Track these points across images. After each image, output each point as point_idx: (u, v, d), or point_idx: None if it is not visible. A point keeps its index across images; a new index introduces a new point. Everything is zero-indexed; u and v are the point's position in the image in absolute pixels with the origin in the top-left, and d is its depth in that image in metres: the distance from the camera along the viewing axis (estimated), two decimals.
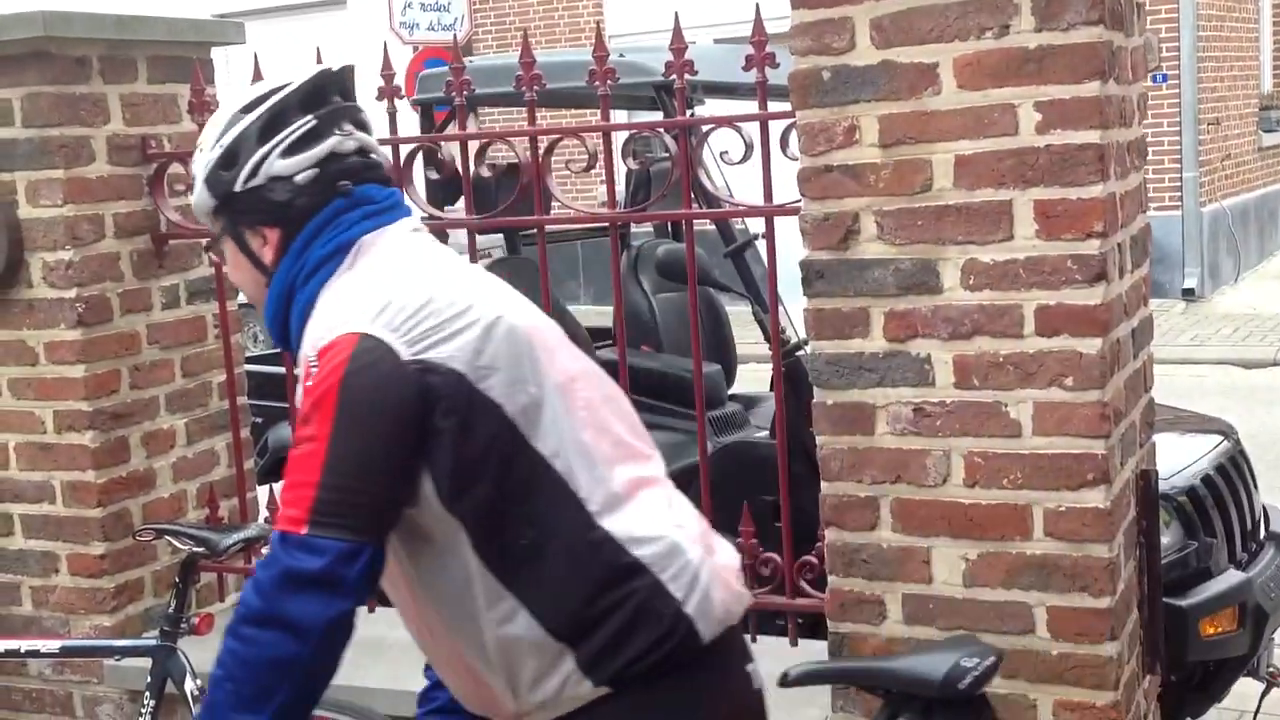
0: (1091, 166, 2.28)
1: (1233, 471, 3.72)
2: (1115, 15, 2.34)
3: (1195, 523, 3.40)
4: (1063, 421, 2.34)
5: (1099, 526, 2.34)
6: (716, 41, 9.44)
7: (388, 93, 3.11)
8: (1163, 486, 2.71)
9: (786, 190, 2.69)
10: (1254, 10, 13.69)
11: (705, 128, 2.89)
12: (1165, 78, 11.33)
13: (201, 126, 3.33)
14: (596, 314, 10.64)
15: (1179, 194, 11.61)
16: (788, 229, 2.73)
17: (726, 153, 2.88)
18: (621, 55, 3.71)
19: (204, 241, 3.39)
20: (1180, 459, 3.49)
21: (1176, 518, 3.36)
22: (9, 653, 3.08)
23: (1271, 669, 3.57)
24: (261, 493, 3.65)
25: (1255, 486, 3.86)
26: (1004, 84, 2.33)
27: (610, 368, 4.11)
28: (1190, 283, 11.73)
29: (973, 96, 2.35)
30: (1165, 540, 3.13)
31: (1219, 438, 3.87)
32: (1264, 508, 3.94)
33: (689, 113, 2.92)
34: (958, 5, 2.35)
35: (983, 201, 2.36)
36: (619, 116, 5.02)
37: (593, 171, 3.11)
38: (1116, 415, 2.39)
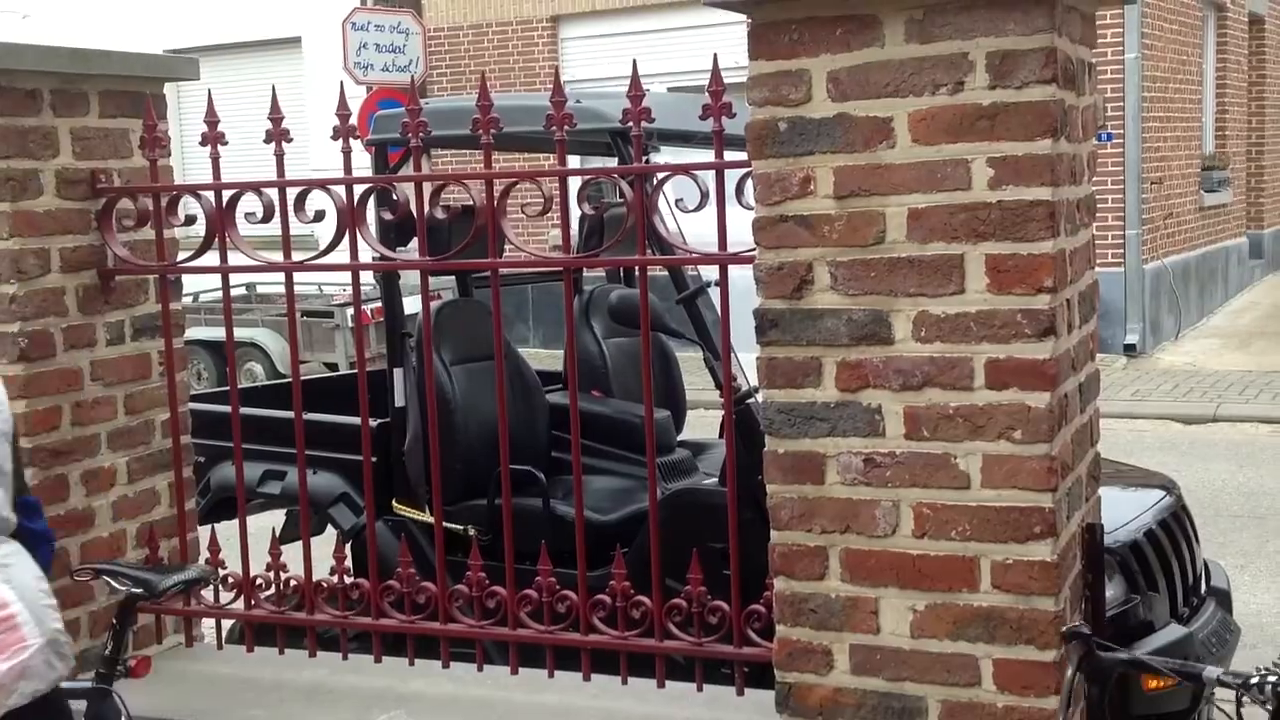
0: (1042, 223, 2.31)
1: (1175, 526, 3.76)
2: (1067, 75, 2.39)
3: (1138, 577, 3.43)
4: (1011, 474, 2.36)
5: (1045, 579, 2.36)
6: (670, 90, 9.50)
7: (343, 132, 3.10)
8: (1106, 540, 2.74)
9: (739, 238, 2.70)
10: (1197, 73, 14.01)
11: (660, 175, 2.90)
12: (1110, 136, 11.56)
13: (152, 162, 3.34)
14: (546, 357, 10.63)
15: (1122, 251, 11.82)
16: (740, 277, 2.74)
17: (682, 200, 2.89)
18: (579, 101, 3.73)
19: (152, 277, 3.36)
20: (1124, 513, 3.52)
21: (1120, 571, 3.39)
22: None
23: None
24: (203, 533, 3.60)
25: (1197, 541, 3.91)
26: (958, 139, 2.36)
27: (560, 411, 4.17)
28: (1132, 339, 11.92)
29: (926, 151, 2.39)
30: (1109, 594, 3.15)
31: (1161, 492, 3.91)
32: (1205, 562, 3.99)
33: (645, 159, 2.93)
34: (913, 61, 2.38)
35: (935, 254, 2.39)
36: (573, 162, 5.04)
37: (546, 216, 3.11)
38: (1064, 469, 2.42)
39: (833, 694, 2.53)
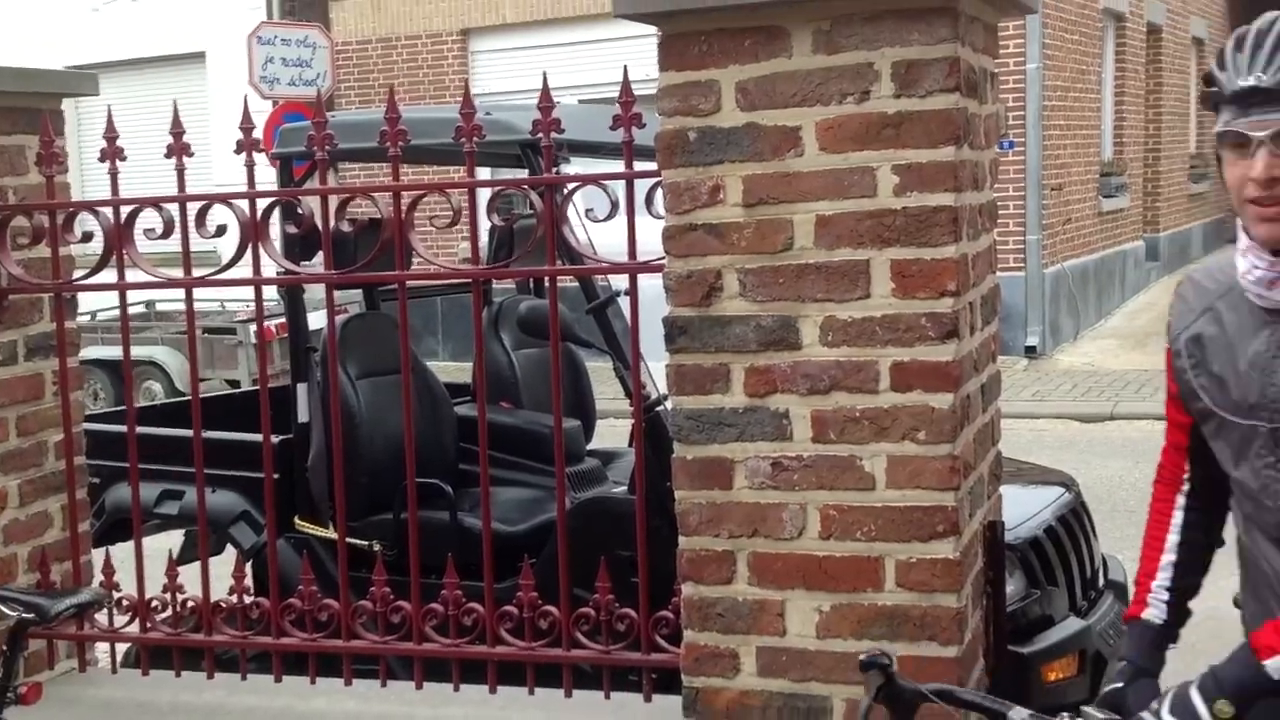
0: (945, 228, 2.36)
1: (1073, 522, 3.85)
2: (970, 84, 2.44)
3: (1038, 572, 3.50)
4: (915, 475, 2.40)
5: (948, 577, 2.40)
6: (581, 102, 9.53)
7: (246, 145, 3.06)
8: (1007, 537, 2.79)
9: (649, 248, 2.72)
10: (1097, 82, 14.37)
11: (570, 185, 2.90)
12: (1012, 144, 11.82)
13: (49, 179, 3.26)
14: (456, 370, 10.57)
15: (1023, 255, 12.08)
16: (651, 286, 2.76)
17: (592, 210, 2.90)
18: (488, 113, 3.72)
19: (47, 296, 3.29)
20: (1024, 510, 3.60)
21: (1020, 567, 3.46)
22: None
23: None
24: (97, 556, 3.50)
25: (1094, 536, 4.00)
26: (864, 147, 2.40)
27: (469, 424, 4.15)
28: (1033, 340, 12.17)
29: (833, 159, 2.42)
30: (1009, 589, 3.22)
31: (1060, 489, 4.01)
32: (1103, 557, 4.08)
33: (555, 171, 2.93)
34: (821, 71, 2.42)
35: (842, 260, 2.43)
36: (482, 174, 5.03)
37: (454, 228, 3.10)
38: (966, 468, 2.46)
39: (739, 697, 2.55)
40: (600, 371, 4.73)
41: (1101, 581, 3.97)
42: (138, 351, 10.60)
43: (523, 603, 2.95)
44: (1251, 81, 1.86)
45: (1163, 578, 2.19)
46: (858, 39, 2.39)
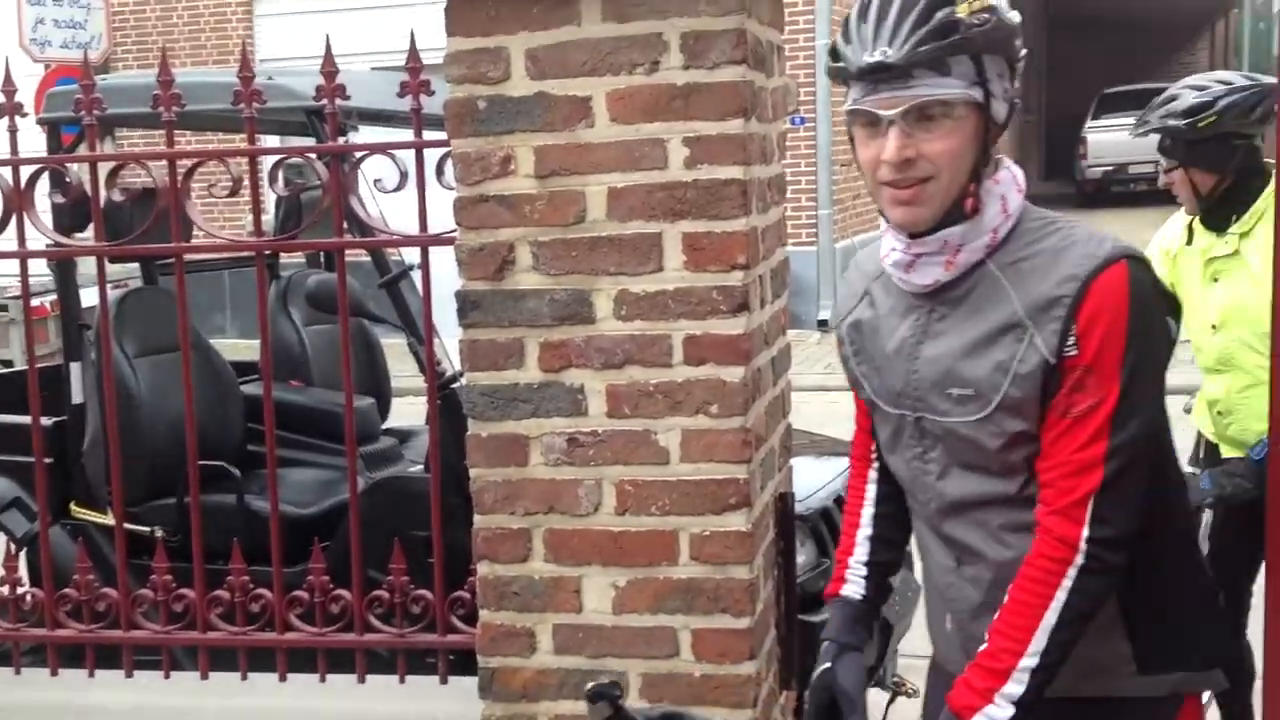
0: (735, 201, 2.36)
1: None
2: (757, 57, 2.44)
3: (828, 542, 3.58)
4: (708, 448, 2.40)
5: (740, 549, 2.41)
6: (373, 69, 9.30)
7: (8, 110, 2.87)
8: (798, 508, 2.83)
9: (442, 220, 2.66)
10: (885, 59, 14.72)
11: (358, 155, 2.81)
12: (803, 120, 12.05)
13: None
14: (245, 347, 10.23)
15: (815, 230, 12.35)
16: (444, 259, 2.70)
17: (380, 181, 2.81)
18: (270, 78, 3.58)
19: None
20: (814, 481, 3.67)
21: (811, 537, 3.53)
22: None
23: (897, 678, 3.80)
24: None
25: None
26: (654, 119, 2.38)
27: (257, 403, 4.01)
28: (824, 314, 12.44)
29: (625, 130, 2.40)
30: (800, 559, 3.28)
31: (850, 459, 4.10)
32: None
33: (343, 139, 2.84)
34: (610, 40, 2.39)
35: (634, 233, 2.41)
36: (270, 141, 4.85)
37: (243, 199, 2.97)
38: (758, 441, 2.48)
39: (536, 675, 2.52)
40: (396, 348, 4.63)
41: None
42: None
43: (313, 587, 2.86)
44: (878, 57, 1.76)
45: (859, 553, 2.16)
46: (646, 8, 2.37)
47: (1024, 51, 1.84)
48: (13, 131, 2.90)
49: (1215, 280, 3.39)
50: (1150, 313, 1.78)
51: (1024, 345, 1.79)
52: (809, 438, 4.11)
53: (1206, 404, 3.51)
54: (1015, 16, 1.83)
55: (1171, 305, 1.87)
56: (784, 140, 2.77)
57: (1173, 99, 3.33)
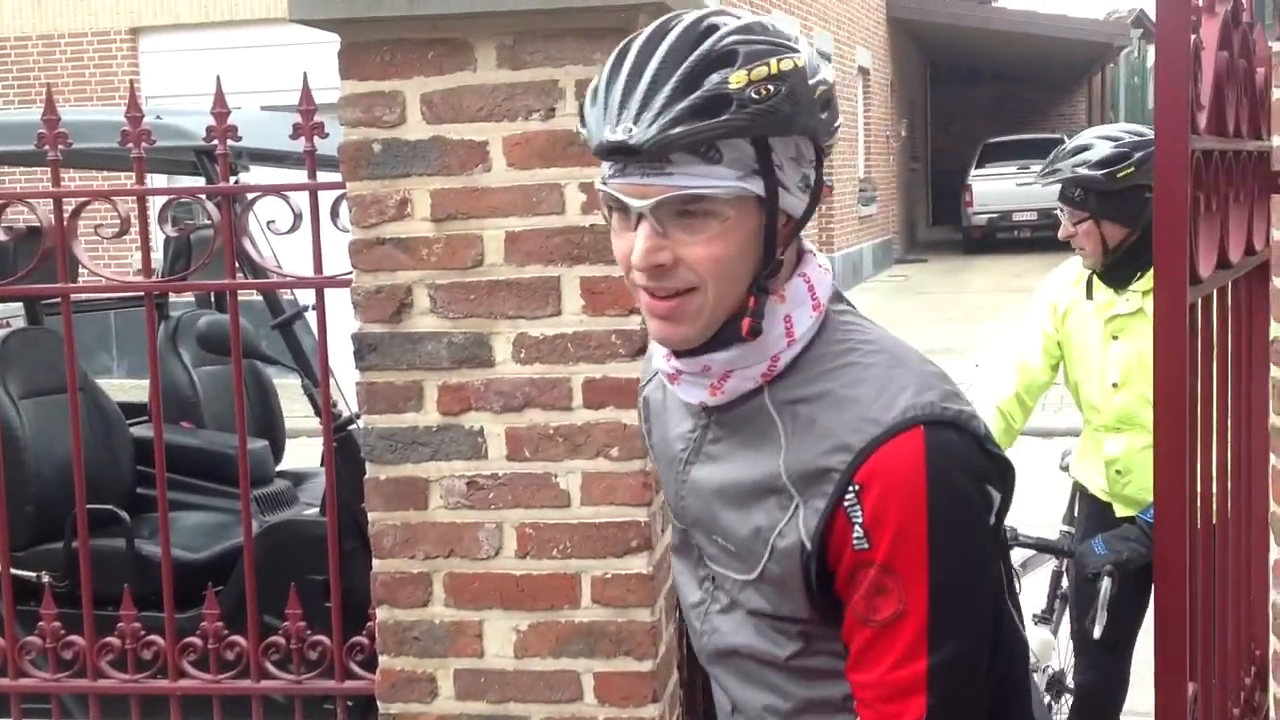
0: None
1: None
2: None
3: None
4: (609, 491, 2.42)
5: (642, 592, 2.43)
6: (264, 109, 9.21)
7: None
8: None
9: (338, 262, 2.64)
10: (854, 113, 14.94)
11: (251, 196, 2.79)
12: None
13: None
14: (132, 388, 10.01)
15: None
16: (339, 301, 2.68)
17: (274, 222, 2.79)
18: (159, 117, 3.53)
19: None
20: None
21: None
22: None
23: None
24: None
25: None
26: (550, 164, 2.41)
27: (146, 445, 3.93)
28: None
29: (522, 175, 2.42)
30: None
31: None
32: None
33: (234, 180, 2.81)
34: (506, 86, 2.41)
35: (533, 277, 2.42)
36: (158, 181, 4.78)
37: (130, 238, 2.93)
38: (658, 483, 2.50)
39: None
40: (289, 389, 4.58)
41: None
42: None
43: (207, 633, 2.81)
44: (619, 136, 1.33)
45: None
46: (541, 55, 2.40)
47: (838, 121, 1.44)
48: None
49: (1115, 338, 3.28)
50: (959, 493, 1.36)
51: (786, 517, 1.41)
52: None
53: (1104, 463, 3.40)
54: (823, 78, 1.40)
55: (998, 467, 1.42)
56: None
57: (1084, 148, 3.17)
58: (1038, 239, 22.54)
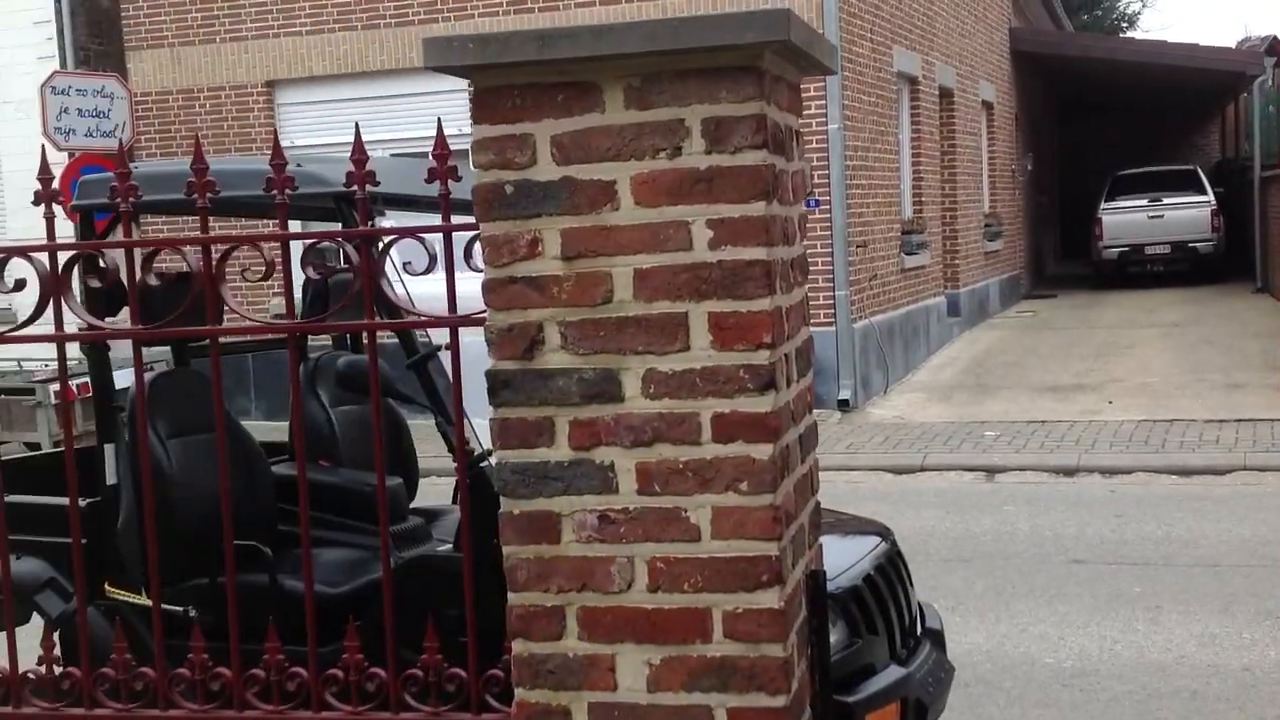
0: (759, 281, 2.41)
1: (891, 571, 3.94)
2: (777, 140, 2.51)
3: (858, 621, 3.57)
4: (738, 525, 2.43)
5: (774, 626, 2.43)
6: (393, 156, 9.45)
7: (45, 197, 2.95)
8: (828, 586, 2.84)
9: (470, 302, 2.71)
10: (895, 142, 14.93)
11: (388, 239, 2.88)
12: (817, 203, 12.18)
13: None
14: (270, 429, 10.30)
15: (833, 311, 12.42)
16: (473, 342, 2.74)
17: (410, 264, 2.87)
18: (299, 165, 3.66)
19: None
20: (843, 560, 3.67)
21: (841, 617, 3.52)
22: None
23: None
24: None
25: (911, 584, 4.11)
26: (678, 202, 2.44)
27: (286, 484, 4.05)
28: (845, 394, 12.50)
29: (649, 213, 2.45)
30: (832, 639, 3.27)
31: (877, 539, 4.10)
32: (919, 604, 4.19)
33: (370, 224, 2.90)
34: (633, 126, 2.45)
35: (661, 313, 2.45)
36: (294, 227, 4.93)
37: (264, 283, 3.04)
38: (787, 517, 2.50)
39: None
40: (420, 429, 4.68)
41: (920, 629, 4.06)
42: None
43: (348, 665, 2.87)
44: None
45: None
46: (668, 95, 2.43)
47: None
48: (49, 219, 2.98)
49: None
50: None
51: None
52: (834, 516, 4.12)
53: None
54: None
55: None
56: (805, 222, 2.82)
57: None
58: (1170, 272, 22.00)
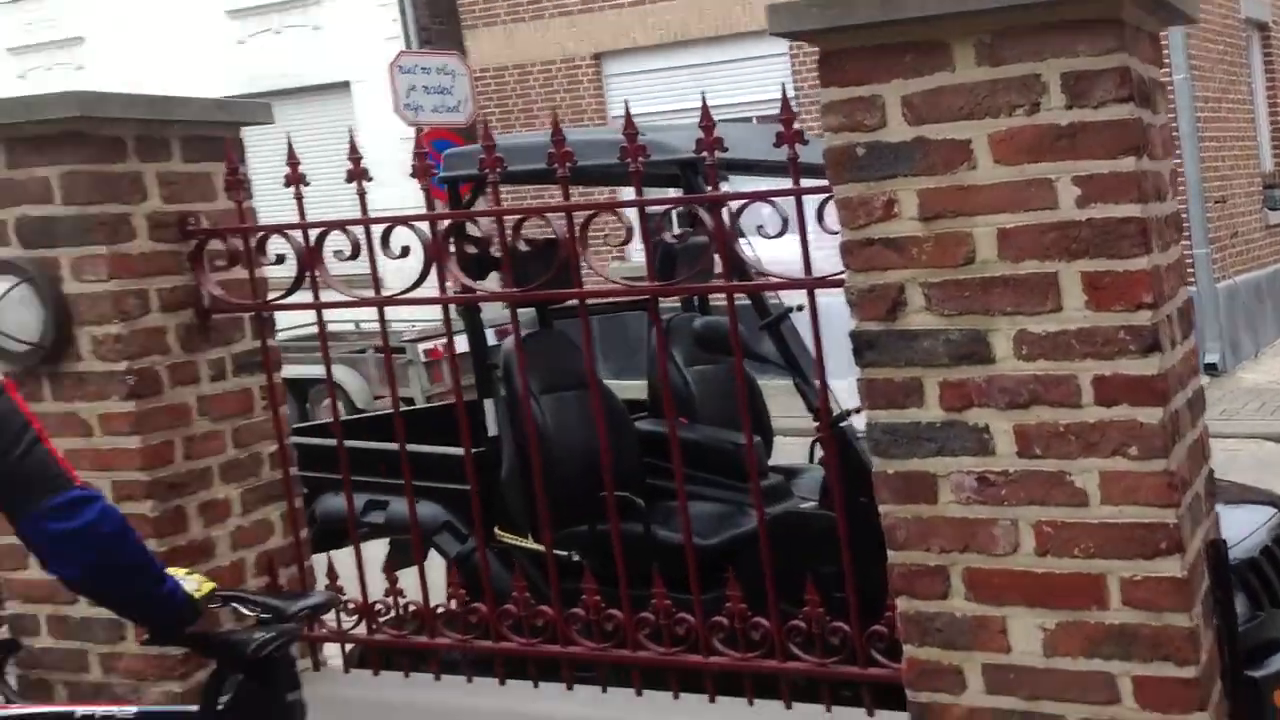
0: (1135, 239, 2.33)
1: None
2: (1142, 93, 2.40)
3: (1260, 593, 3.37)
4: (1130, 490, 2.37)
5: (1178, 595, 2.36)
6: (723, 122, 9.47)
7: (420, 170, 3.17)
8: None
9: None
10: (1248, 92, 13.79)
11: (740, 203, 2.93)
12: None
13: (239, 204, 3.39)
14: (619, 388, 10.63)
15: (1193, 270, 11.60)
16: (824, 302, 2.77)
17: (762, 227, 2.92)
18: (644, 134, 3.76)
19: (247, 315, 3.43)
20: (1238, 530, 3.43)
21: (1242, 589, 3.32)
22: (85, 718, 2.94)
23: None
24: (318, 560, 3.66)
25: None
26: (1039, 159, 2.38)
27: (653, 438, 4.18)
28: (1212, 358, 11.67)
29: (1009, 171, 2.40)
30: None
31: (1272, 509, 3.84)
32: None
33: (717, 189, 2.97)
34: (986, 84, 2.40)
35: (1029, 273, 2.41)
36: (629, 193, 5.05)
37: (608, 248, 3.16)
38: (1183, 484, 2.42)
39: (968, 713, 2.55)
40: (770, 389, 4.73)
41: None
42: (313, 371, 10.85)
43: (733, 613, 2.97)
44: None
45: None
46: (1021, 50, 2.37)
47: None
48: (426, 190, 3.21)
49: None
50: None
51: None
52: (1219, 485, 3.89)
53: None
54: None
55: None
56: (1174, 177, 2.68)
57: None
58: None
